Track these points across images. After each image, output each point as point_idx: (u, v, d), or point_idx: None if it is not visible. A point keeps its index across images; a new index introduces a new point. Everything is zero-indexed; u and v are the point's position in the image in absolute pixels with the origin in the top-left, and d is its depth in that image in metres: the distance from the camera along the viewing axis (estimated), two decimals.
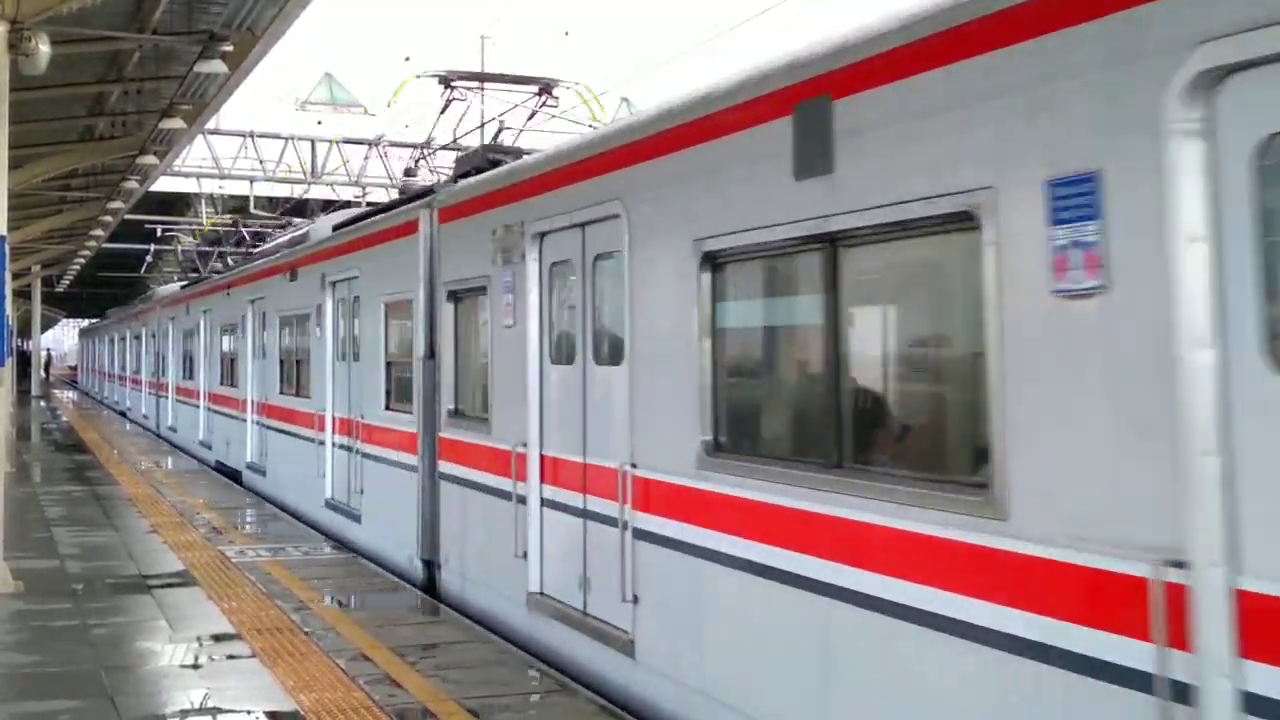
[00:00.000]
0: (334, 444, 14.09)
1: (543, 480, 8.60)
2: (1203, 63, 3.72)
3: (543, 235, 8.55)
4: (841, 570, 5.37)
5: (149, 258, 48.70)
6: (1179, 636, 3.78)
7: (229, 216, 32.91)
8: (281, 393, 17.06)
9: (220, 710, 7.08)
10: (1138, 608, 3.87)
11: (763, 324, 6.72)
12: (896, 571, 4.99)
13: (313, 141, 33.08)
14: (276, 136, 32.76)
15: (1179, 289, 3.78)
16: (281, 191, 34.56)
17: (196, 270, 37.76)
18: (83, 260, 45.69)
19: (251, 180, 33.22)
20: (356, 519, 13.06)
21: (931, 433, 5.48)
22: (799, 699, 5.71)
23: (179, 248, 44.67)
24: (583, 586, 7.99)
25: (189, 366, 25.43)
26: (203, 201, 37.92)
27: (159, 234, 42.04)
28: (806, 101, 5.67)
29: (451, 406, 10.57)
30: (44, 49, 11.25)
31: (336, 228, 14.88)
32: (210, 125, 26.58)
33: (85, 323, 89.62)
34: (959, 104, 4.69)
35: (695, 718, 6.57)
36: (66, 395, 57.19)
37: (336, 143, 33.25)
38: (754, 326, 6.75)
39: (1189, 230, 3.76)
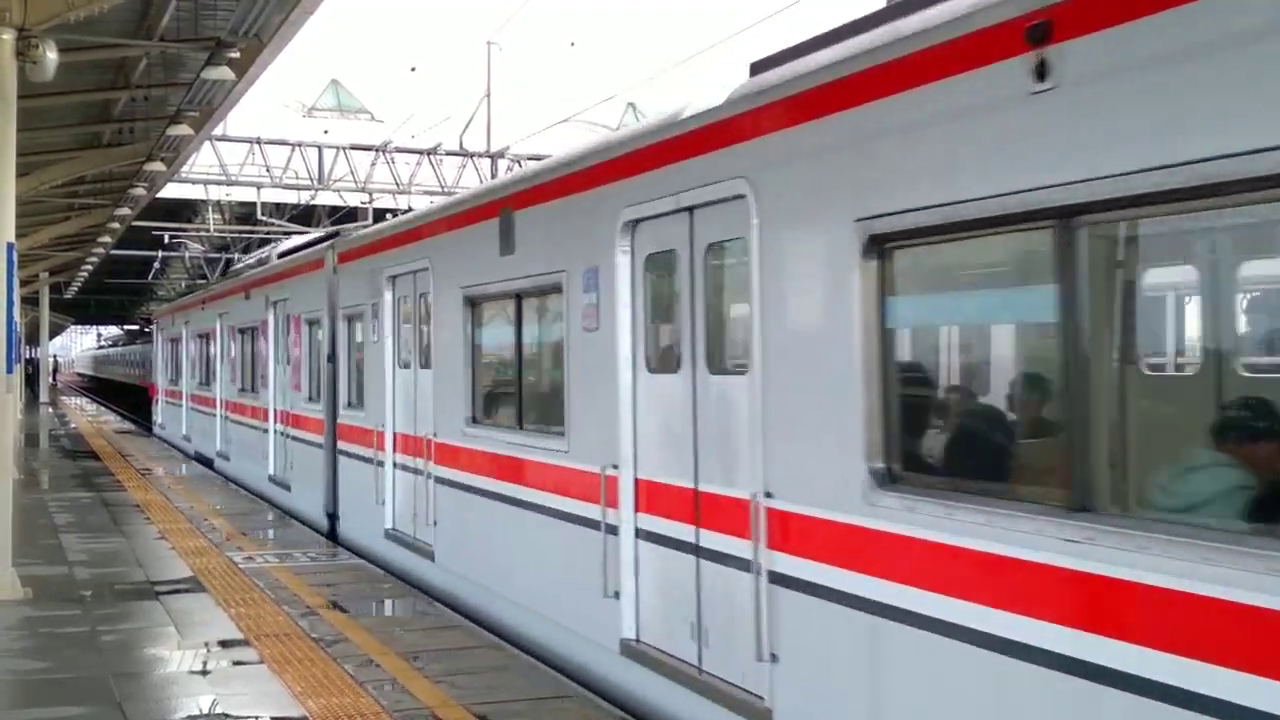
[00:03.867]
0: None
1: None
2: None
3: None
4: None
5: (156, 264, 48.87)
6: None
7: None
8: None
9: (228, 716, 7.08)
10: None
11: None
12: None
13: (320, 148, 33.10)
14: (284, 143, 32.77)
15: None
16: (289, 198, 34.63)
17: (205, 277, 37.73)
18: (90, 267, 45.76)
19: (259, 187, 33.27)
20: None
21: None
22: None
23: (186, 254, 44.79)
24: None
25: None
26: (210, 208, 38.02)
27: (166, 240, 42.17)
28: None
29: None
30: (51, 56, 11.27)
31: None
32: (217, 132, 26.62)
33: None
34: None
35: None
36: (75, 401, 57.22)
37: (344, 149, 33.28)
38: None
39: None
